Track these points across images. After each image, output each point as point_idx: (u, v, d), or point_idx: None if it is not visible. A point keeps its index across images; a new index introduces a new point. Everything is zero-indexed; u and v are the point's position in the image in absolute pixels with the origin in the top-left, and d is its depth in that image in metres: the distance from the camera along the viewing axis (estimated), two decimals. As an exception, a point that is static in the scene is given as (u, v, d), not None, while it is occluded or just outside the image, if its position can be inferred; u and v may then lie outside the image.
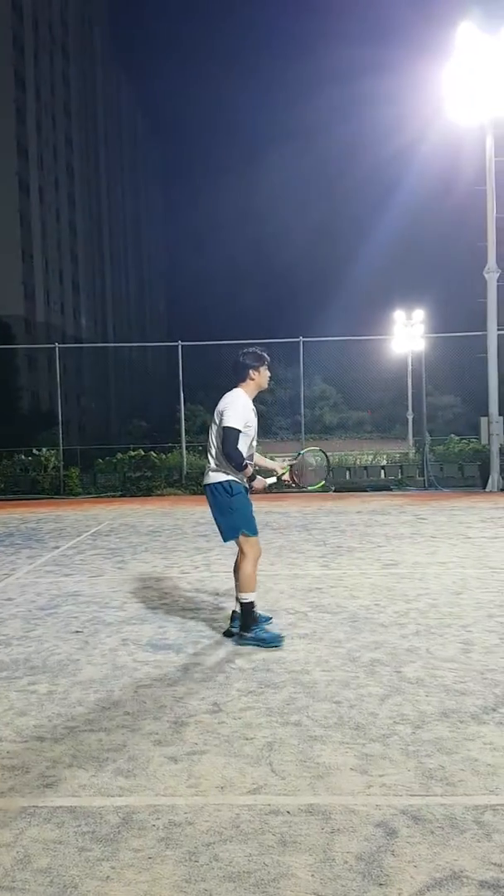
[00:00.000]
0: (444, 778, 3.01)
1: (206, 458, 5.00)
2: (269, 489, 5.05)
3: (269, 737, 3.44)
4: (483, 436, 15.79)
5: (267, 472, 5.14)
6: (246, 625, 4.85)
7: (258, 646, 4.75)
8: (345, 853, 2.50)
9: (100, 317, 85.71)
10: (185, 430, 17.92)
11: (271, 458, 5.87)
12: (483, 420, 15.67)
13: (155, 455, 17.53)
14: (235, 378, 5.03)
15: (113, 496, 16.42)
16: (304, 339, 17.36)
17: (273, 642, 4.77)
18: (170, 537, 9.73)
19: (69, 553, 8.82)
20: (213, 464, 4.90)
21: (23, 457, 17.70)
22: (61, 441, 17.62)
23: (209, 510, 5.06)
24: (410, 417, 28.30)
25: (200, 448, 19.92)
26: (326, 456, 5.89)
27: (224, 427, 4.75)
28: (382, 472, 17.13)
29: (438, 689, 3.97)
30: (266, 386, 5.11)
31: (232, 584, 6.75)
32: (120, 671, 4.44)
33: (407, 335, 26.37)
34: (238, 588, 4.91)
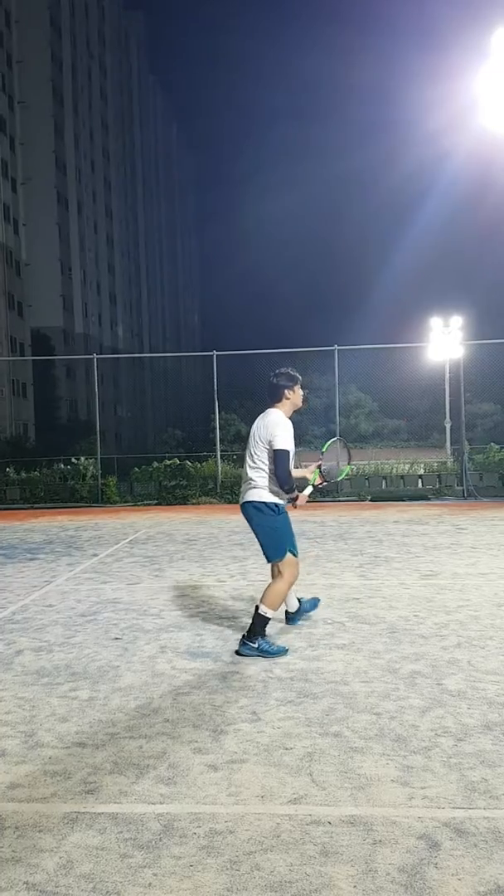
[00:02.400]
0: (488, 791, 2.97)
1: (246, 475, 5.00)
2: (309, 499, 5.10)
3: (309, 747, 3.42)
4: (523, 444, 15.55)
5: (301, 483, 5.15)
6: (253, 633, 4.83)
7: (260, 655, 4.75)
8: (387, 865, 2.48)
9: (136, 327, 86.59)
10: (220, 439, 17.99)
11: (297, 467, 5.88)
12: (522, 428, 15.43)
13: (190, 464, 17.62)
14: (271, 399, 5.05)
15: (149, 505, 16.54)
16: (339, 348, 17.30)
17: (278, 653, 4.77)
18: (205, 546, 9.76)
19: (107, 561, 8.90)
20: (255, 481, 4.90)
21: (62, 465, 17.95)
22: (99, 450, 17.82)
23: (246, 524, 5.10)
24: (448, 426, 27.99)
25: (235, 457, 19.98)
26: (345, 443, 5.93)
27: (276, 450, 4.78)
28: (420, 481, 16.96)
29: (481, 702, 3.92)
30: (300, 405, 5.15)
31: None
32: (159, 678, 4.47)
33: (444, 342, 26.11)
34: (262, 599, 4.90)
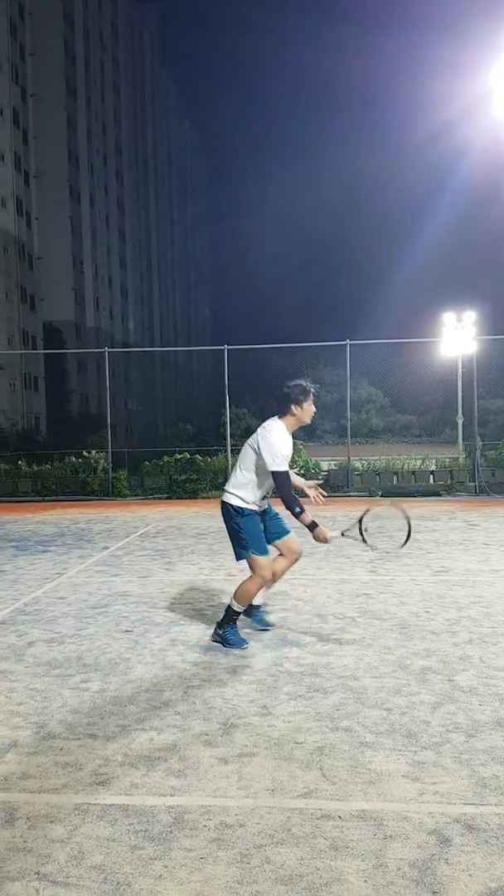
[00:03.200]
0: (499, 787, 2.96)
1: (229, 476, 5.05)
2: (332, 539, 4.97)
3: (319, 741, 3.42)
4: (535, 440, 15.47)
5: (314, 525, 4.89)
6: (223, 622, 4.95)
7: (220, 643, 4.89)
8: (398, 860, 2.48)
9: (147, 322, 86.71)
10: (231, 433, 17.99)
11: (305, 464, 5.82)
12: (535, 424, 15.35)
13: (200, 458, 17.64)
14: (278, 409, 4.94)
15: (159, 498, 16.57)
16: (351, 342, 17.25)
17: (236, 644, 4.85)
18: (216, 540, 9.77)
19: (118, 554, 8.93)
20: (231, 486, 4.92)
21: (73, 459, 18.01)
22: (110, 443, 17.86)
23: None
24: (460, 421, 27.87)
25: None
26: (406, 518, 5.55)
27: (274, 472, 4.71)
28: (431, 477, 16.90)
29: (492, 698, 3.91)
30: (308, 421, 4.99)
31: (279, 588, 6.75)
32: (170, 671, 4.47)
33: (457, 337, 25.98)
34: (234, 593, 4.94)
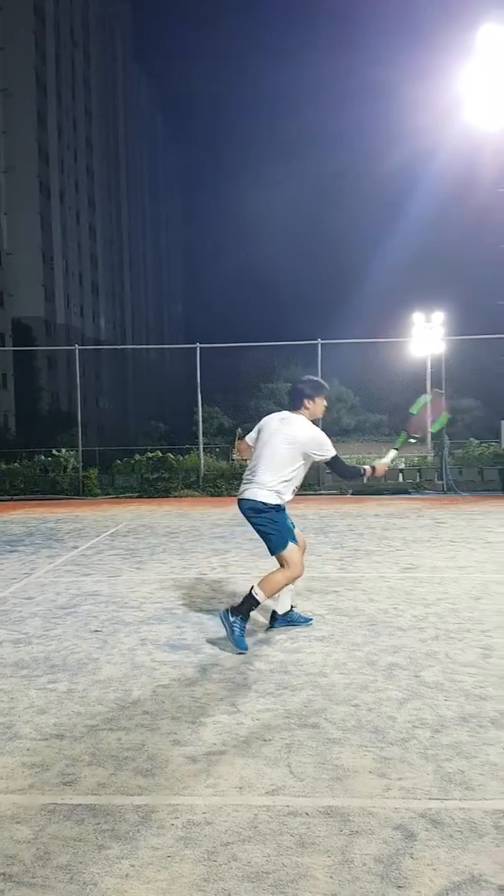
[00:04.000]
0: (464, 782, 3.00)
1: (255, 471, 4.91)
2: (395, 463, 5.17)
3: (288, 739, 3.44)
4: (503, 439, 15.68)
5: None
6: (239, 610, 4.77)
7: (226, 633, 4.76)
8: (363, 855, 2.50)
9: (119, 319, 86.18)
10: (203, 432, 17.96)
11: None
12: (503, 423, 15.56)
13: (172, 457, 17.59)
14: (291, 404, 4.98)
15: (131, 497, 16.50)
16: (322, 342, 17.34)
17: (238, 645, 4.71)
18: (187, 539, 9.76)
19: (88, 553, 8.87)
20: (264, 481, 4.85)
21: (42, 457, 17.85)
22: (80, 442, 17.74)
23: (231, 517, 5.13)
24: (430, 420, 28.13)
25: (217, 450, 19.96)
26: (439, 394, 5.89)
27: (333, 458, 4.85)
28: (401, 475, 17.06)
29: (458, 694, 3.96)
30: (320, 416, 5.04)
31: (246, 586, 6.77)
32: (139, 671, 4.46)
33: (426, 338, 26.25)
34: (261, 582, 4.85)
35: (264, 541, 4.99)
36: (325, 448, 4.84)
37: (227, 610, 4.82)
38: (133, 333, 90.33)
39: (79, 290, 72.35)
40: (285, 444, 4.82)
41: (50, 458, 17.53)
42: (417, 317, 27.45)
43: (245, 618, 4.78)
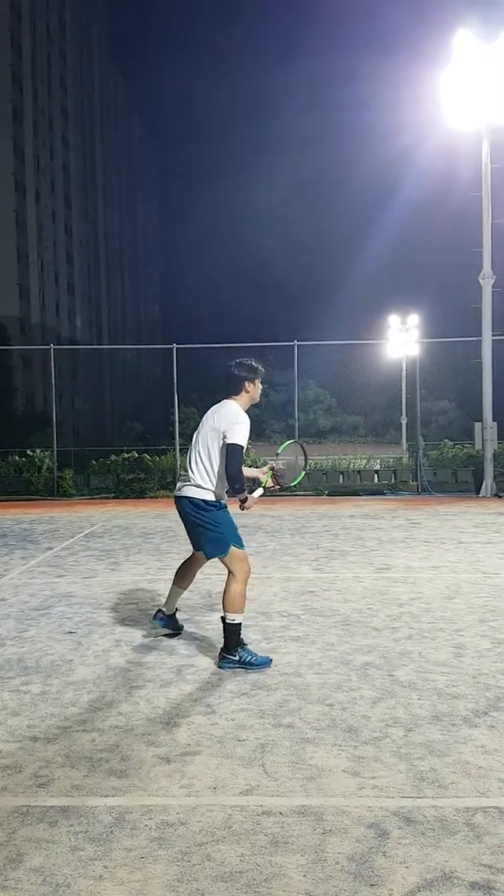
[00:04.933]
0: (436, 780, 3.03)
1: (189, 467, 4.64)
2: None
3: (262, 738, 3.45)
4: (477, 441, 15.83)
5: (252, 483, 4.86)
6: (230, 646, 4.49)
7: (245, 668, 4.42)
8: (336, 854, 2.52)
9: (95, 319, 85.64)
10: (179, 432, 17.93)
11: (254, 463, 5.73)
12: (477, 425, 15.72)
13: (149, 457, 17.53)
14: (228, 390, 4.75)
15: (106, 498, 16.41)
16: (299, 343, 17.41)
17: (262, 665, 4.45)
18: (163, 539, 9.73)
19: (62, 554, 8.81)
20: (198, 475, 4.57)
21: (16, 458, 17.69)
22: (55, 442, 17.62)
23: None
24: (404, 422, 28.34)
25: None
26: (303, 447, 5.62)
27: (230, 444, 4.44)
28: (376, 476, 17.18)
29: (431, 693, 3.99)
30: (258, 399, 4.82)
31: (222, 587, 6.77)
32: (113, 672, 4.45)
33: (402, 340, 26.42)
34: (224, 607, 4.53)
35: (203, 543, 4.62)
36: (236, 431, 4.48)
37: (221, 657, 4.51)
38: (109, 333, 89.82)
39: (54, 289, 71.78)
40: (216, 433, 4.57)
41: (24, 459, 17.38)
42: (393, 319, 27.63)
43: (242, 644, 4.52)
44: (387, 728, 3.54)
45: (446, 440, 18.93)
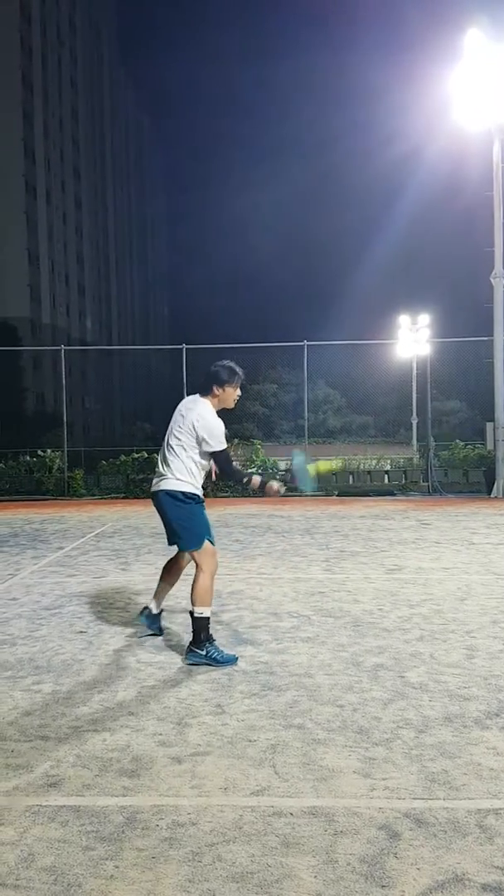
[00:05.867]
0: (448, 782, 3.02)
1: (163, 461, 4.65)
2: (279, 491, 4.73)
3: (273, 739, 3.44)
4: (489, 441, 15.76)
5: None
6: (198, 641, 4.50)
7: (209, 665, 4.45)
8: (348, 855, 2.51)
9: (105, 319, 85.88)
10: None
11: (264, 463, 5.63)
12: (489, 425, 15.65)
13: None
14: (202, 387, 4.69)
15: (116, 498, 16.44)
16: (308, 343, 17.37)
17: (228, 662, 4.48)
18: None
19: (73, 554, 8.84)
20: (172, 470, 4.58)
21: (27, 458, 17.75)
22: (66, 442, 17.66)
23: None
24: (415, 422, 28.27)
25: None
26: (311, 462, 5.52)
27: (215, 452, 4.52)
28: (386, 476, 17.12)
29: (442, 695, 3.98)
30: (231, 406, 4.73)
31: (235, 587, 6.77)
32: (124, 672, 4.45)
33: (412, 340, 26.35)
34: (192, 601, 4.55)
35: (177, 537, 4.66)
36: (216, 438, 4.52)
37: (189, 652, 4.55)
38: (119, 334, 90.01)
39: (65, 291, 72.03)
40: (189, 429, 4.56)
41: (35, 459, 17.42)
42: (403, 319, 27.56)
43: (210, 639, 4.54)
44: (398, 729, 3.53)
45: (457, 440, 18.85)
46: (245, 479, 4.67)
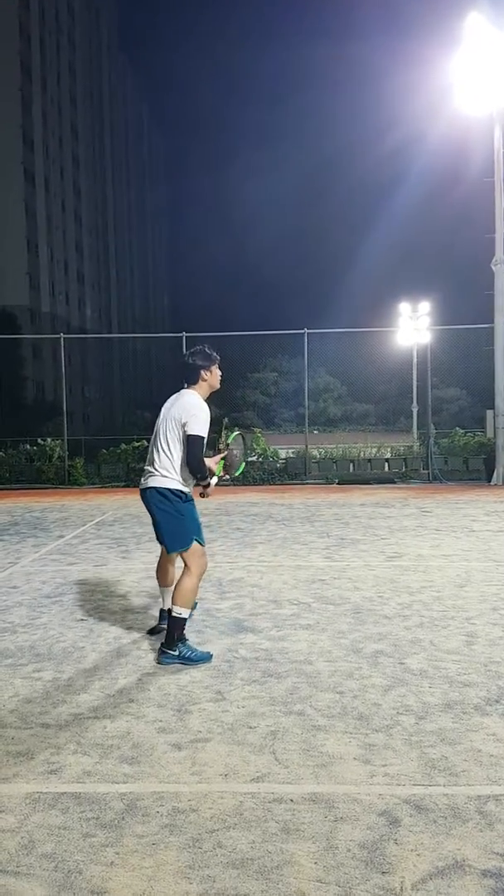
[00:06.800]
0: (447, 768, 3.02)
1: (151, 458, 4.59)
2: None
3: (273, 726, 3.45)
4: (488, 429, 15.75)
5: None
6: (172, 640, 4.40)
7: (184, 664, 4.35)
8: (348, 841, 2.51)
9: (104, 308, 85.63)
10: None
11: (264, 452, 5.60)
12: (489, 413, 15.63)
13: (159, 446, 17.50)
14: (186, 380, 4.65)
15: (117, 486, 16.44)
16: (309, 331, 17.30)
17: (202, 660, 4.39)
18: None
19: (74, 542, 8.84)
20: (162, 467, 4.51)
21: (28, 446, 17.74)
22: (66, 431, 17.64)
23: (159, 509, 4.58)
24: (415, 410, 28.24)
25: (226, 444, 19.93)
26: (243, 437, 5.34)
27: (191, 435, 4.40)
28: (386, 464, 17.10)
29: (442, 681, 3.98)
30: (217, 386, 4.73)
31: (236, 574, 6.77)
32: (124, 659, 4.46)
33: (412, 327, 26.28)
34: (174, 599, 4.43)
35: (165, 536, 4.58)
36: (196, 422, 4.42)
37: (161, 652, 4.44)
38: (119, 322, 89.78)
39: (64, 279, 71.76)
40: (175, 423, 4.50)
41: (35, 448, 17.42)
42: (404, 306, 27.48)
43: (183, 639, 4.45)
44: (398, 716, 3.53)
45: (457, 428, 18.84)
46: (204, 479, 4.51)
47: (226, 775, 2.99)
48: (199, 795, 2.84)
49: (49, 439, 17.69)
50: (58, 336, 18.89)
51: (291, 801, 2.78)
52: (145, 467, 4.70)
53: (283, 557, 7.58)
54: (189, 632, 4.95)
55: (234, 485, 15.51)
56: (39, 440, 17.69)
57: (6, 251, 59.73)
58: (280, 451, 17.67)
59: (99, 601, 5.92)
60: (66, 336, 19.27)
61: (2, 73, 59.78)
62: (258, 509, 11.57)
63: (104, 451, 17.96)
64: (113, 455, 17.53)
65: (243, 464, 5.21)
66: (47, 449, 17.16)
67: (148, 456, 4.70)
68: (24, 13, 62.85)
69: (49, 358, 60.49)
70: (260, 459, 16.56)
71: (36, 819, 2.70)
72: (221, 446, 4.88)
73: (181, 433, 4.46)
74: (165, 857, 2.44)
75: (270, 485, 15.88)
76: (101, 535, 9.33)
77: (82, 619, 5.38)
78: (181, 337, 17.44)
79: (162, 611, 5.07)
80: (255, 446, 16.82)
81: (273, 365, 55.14)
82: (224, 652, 4.55)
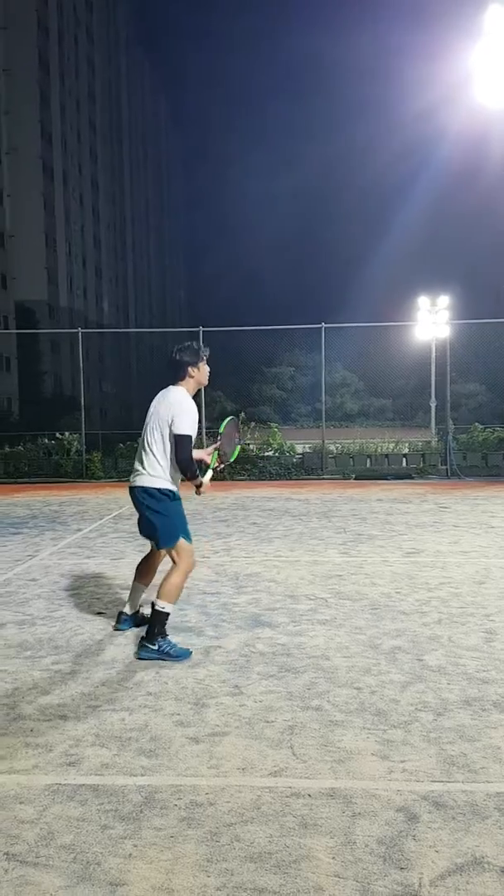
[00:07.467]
0: (466, 765, 3.00)
1: (140, 457, 4.64)
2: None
3: (290, 720, 3.44)
4: (507, 424, 15.62)
5: (202, 468, 4.76)
6: (153, 635, 4.37)
7: (163, 659, 4.31)
8: (366, 836, 2.51)
9: (122, 302, 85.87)
10: (206, 416, 17.92)
11: (280, 447, 5.59)
12: (507, 408, 15.48)
13: (176, 440, 17.51)
14: (173, 377, 4.65)
15: (134, 480, 16.50)
16: (326, 326, 17.23)
17: (182, 656, 4.34)
18: (190, 522, 9.72)
19: (91, 536, 8.88)
20: (149, 465, 4.54)
21: (46, 440, 17.85)
22: (83, 425, 17.72)
23: (149, 505, 4.64)
24: (433, 405, 28.07)
25: (219, 434, 19.94)
26: (237, 424, 5.42)
27: (178, 435, 4.42)
28: (404, 460, 17.02)
29: (460, 678, 3.96)
30: (205, 382, 4.74)
31: (252, 569, 6.77)
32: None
33: (431, 321, 26.09)
34: (159, 593, 4.43)
35: (153, 533, 4.60)
36: (182, 420, 4.43)
37: (141, 646, 4.42)
38: (136, 316, 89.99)
39: (82, 273, 72.02)
40: (163, 422, 4.51)
41: (53, 442, 17.53)
42: (423, 300, 27.28)
43: (164, 634, 4.41)
44: (416, 712, 3.52)
45: (476, 423, 18.69)
46: (194, 478, 4.52)
47: (243, 769, 2.99)
48: (216, 789, 2.84)
49: (67, 433, 17.78)
50: (75, 330, 18.93)
51: (309, 795, 2.78)
52: (134, 465, 4.73)
53: (299, 552, 7.57)
54: (207, 626, 4.97)
55: (251, 480, 15.52)
56: (58, 434, 17.79)
57: (25, 246, 60.02)
58: (297, 445, 17.63)
59: (116, 594, 5.94)
60: (83, 331, 19.31)
61: (20, 68, 59.98)
62: (274, 504, 11.56)
63: (121, 445, 18.02)
64: (130, 449, 17.56)
65: (238, 447, 5.22)
66: (65, 443, 17.26)
67: (137, 454, 4.71)
68: (42, 7, 63.00)
69: (67, 352, 60.73)
70: (276, 454, 16.54)
71: (55, 810, 2.72)
72: (220, 441, 4.90)
73: (168, 432, 4.48)
74: (183, 850, 2.45)
75: (287, 480, 15.86)
76: (119, 529, 9.37)
77: (100, 612, 5.41)
78: (198, 331, 17.43)
79: (121, 612, 5.02)
80: (271, 441, 16.81)
81: (290, 360, 55.03)
82: (241, 646, 4.55)
